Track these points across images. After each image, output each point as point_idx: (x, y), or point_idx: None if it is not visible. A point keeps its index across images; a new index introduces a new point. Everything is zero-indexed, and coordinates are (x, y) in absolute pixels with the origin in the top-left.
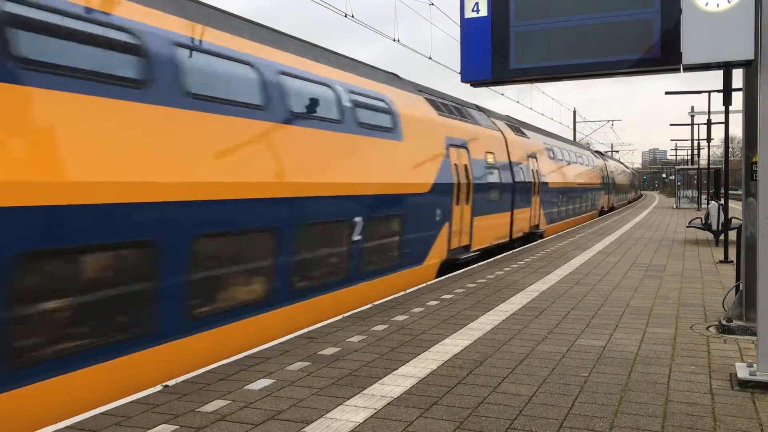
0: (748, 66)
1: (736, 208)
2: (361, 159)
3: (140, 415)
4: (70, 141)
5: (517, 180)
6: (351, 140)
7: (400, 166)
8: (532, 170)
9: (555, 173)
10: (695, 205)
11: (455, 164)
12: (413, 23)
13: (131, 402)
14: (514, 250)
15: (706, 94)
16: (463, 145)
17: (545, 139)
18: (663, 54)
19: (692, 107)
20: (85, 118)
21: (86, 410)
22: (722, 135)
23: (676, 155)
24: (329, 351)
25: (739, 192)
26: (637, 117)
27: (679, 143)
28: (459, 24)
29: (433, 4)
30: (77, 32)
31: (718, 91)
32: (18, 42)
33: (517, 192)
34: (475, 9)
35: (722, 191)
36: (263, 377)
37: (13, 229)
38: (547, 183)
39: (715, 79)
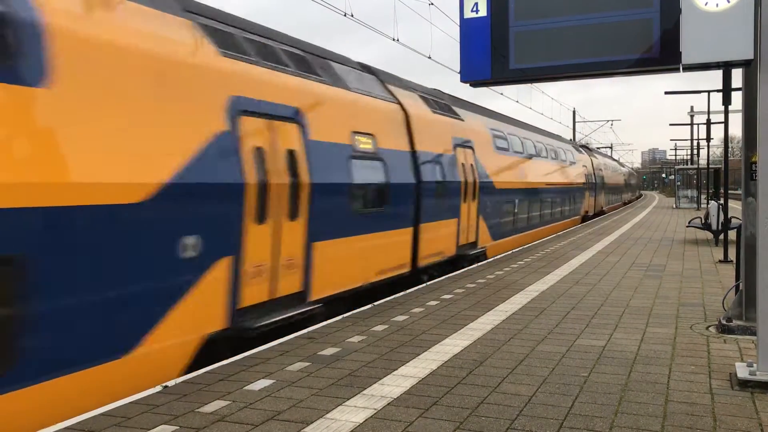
0: (748, 66)
1: (735, 207)
2: None
3: (140, 416)
4: None
5: (427, 178)
6: None
7: None
8: (464, 165)
9: (509, 171)
10: (695, 205)
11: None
12: (413, 23)
13: (131, 402)
14: (428, 283)
15: (706, 93)
16: (283, 116)
17: (494, 124)
18: (662, 54)
19: (692, 107)
20: None
21: None
22: (722, 135)
23: (675, 155)
24: (329, 351)
25: (739, 192)
26: (637, 117)
27: (679, 143)
28: (458, 24)
29: (432, 3)
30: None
31: (718, 90)
32: None
33: (427, 196)
34: (475, 9)
35: (722, 191)
36: (263, 378)
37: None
38: (491, 183)
39: (715, 78)
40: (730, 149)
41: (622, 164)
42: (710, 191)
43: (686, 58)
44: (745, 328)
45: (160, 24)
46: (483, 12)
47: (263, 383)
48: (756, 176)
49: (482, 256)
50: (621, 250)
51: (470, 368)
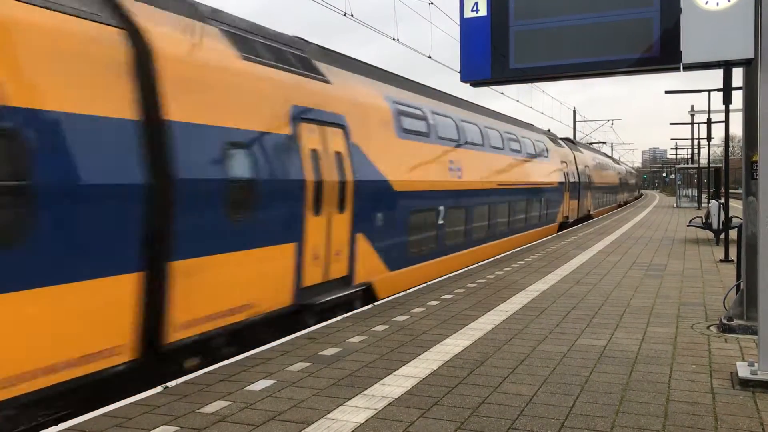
0: (748, 65)
1: (736, 207)
2: None
3: (141, 417)
4: None
5: (190, 173)
6: None
7: None
8: (319, 152)
9: (428, 165)
10: (695, 204)
11: None
12: (413, 23)
13: (132, 403)
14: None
15: (706, 93)
16: None
17: (401, 95)
18: (663, 53)
19: (692, 106)
20: None
21: None
22: (722, 134)
23: (676, 154)
24: (330, 351)
25: (740, 191)
26: (638, 116)
27: (680, 142)
28: (458, 23)
29: (432, 3)
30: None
31: (718, 90)
32: None
33: (192, 206)
34: (475, 8)
35: (722, 190)
36: (264, 378)
37: None
38: (387, 183)
39: (716, 77)
40: (730, 148)
41: (617, 161)
42: (711, 190)
43: (686, 58)
44: (746, 328)
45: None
46: (483, 11)
47: (264, 383)
48: (757, 175)
49: (363, 297)
50: (622, 249)
51: (471, 368)
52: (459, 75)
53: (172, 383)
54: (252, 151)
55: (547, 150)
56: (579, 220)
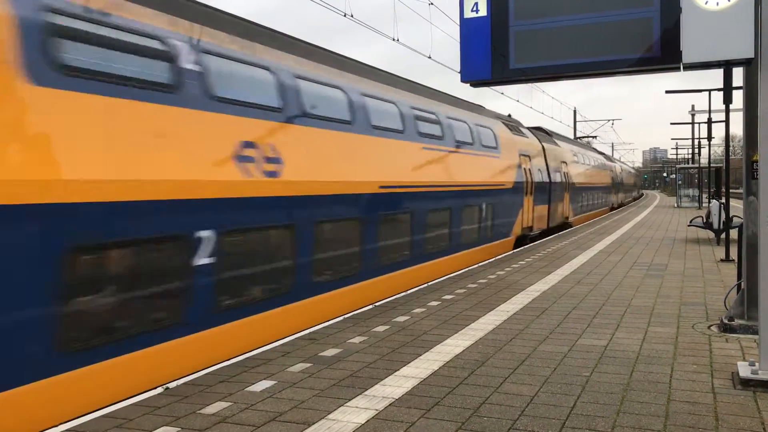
0: (749, 64)
1: (737, 206)
2: None
3: (141, 418)
4: None
5: None
6: None
7: None
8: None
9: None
10: (696, 204)
11: None
12: (413, 23)
13: (132, 404)
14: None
15: (707, 92)
16: None
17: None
18: (663, 53)
19: (692, 106)
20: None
21: None
22: (723, 134)
23: (676, 154)
24: (330, 352)
25: (740, 190)
26: (638, 116)
27: (680, 142)
28: (458, 24)
29: (432, 3)
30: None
31: (719, 89)
32: None
33: None
34: (475, 9)
35: (723, 190)
36: (264, 379)
37: None
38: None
39: (716, 77)
40: (731, 148)
41: (611, 158)
42: (711, 190)
43: (687, 57)
44: (746, 327)
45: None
46: (483, 12)
47: (265, 384)
48: (757, 175)
49: None
50: (622, 249)
51: (472, 368)
52: (459, 75)
53: (172, 384)
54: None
55: (496, 139)
56: (550, 231)
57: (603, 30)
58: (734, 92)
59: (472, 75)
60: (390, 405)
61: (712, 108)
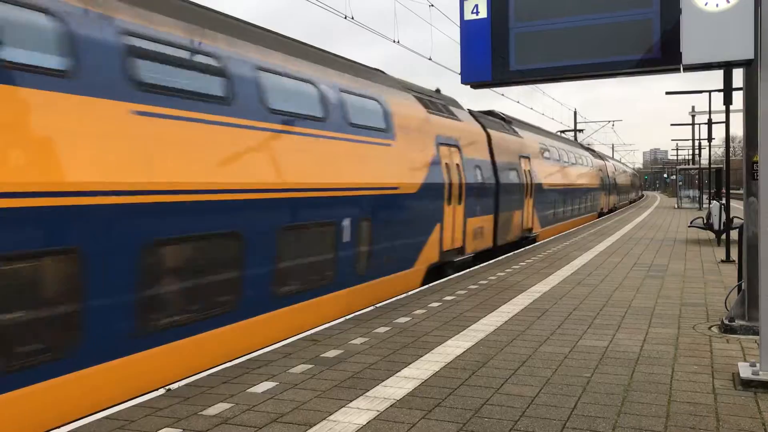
0: (748, 65)
1: (737, 207)
2: None
3: (143, 419)
4: None
5: None
6: None
7: None
8: None
9: None
10: (697, 205)
11: None
12: (413, 25)
13: (134, 406)
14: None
15: (707, 93)
16: None
17: None
18: (663, 54)
19: (693, 107)
20: None
21: None
22: (723, 134)
23: (677, 155)
24: (332, 353)
25: (741, 191)
26: (639, 117)
27: (681, 143)
28: (459, 26)
29: (432, 5)
30: None
31: (719, 90)
32: None
33: None
34: (475, 11)
35: (723, 191)
36: (266, 380)
37: None
38: None
39: (717, 78)
40: (731, 149)
41: (600, 154)
42: (712, 191)
43: (686, 59)
44: (747, 328)
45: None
46: (483, 14)
47: (266, 385)
48: (758, 176)
49: None
50: (623, 250)
51: (473, 369)
52: (459, 77)
53: (174, 385)
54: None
55: (386, 118)
56: (500, 249)
57: (603, 31)
58: (734, 93)
59: (473, 77)
60: (391, 406)
61: (712, 109)
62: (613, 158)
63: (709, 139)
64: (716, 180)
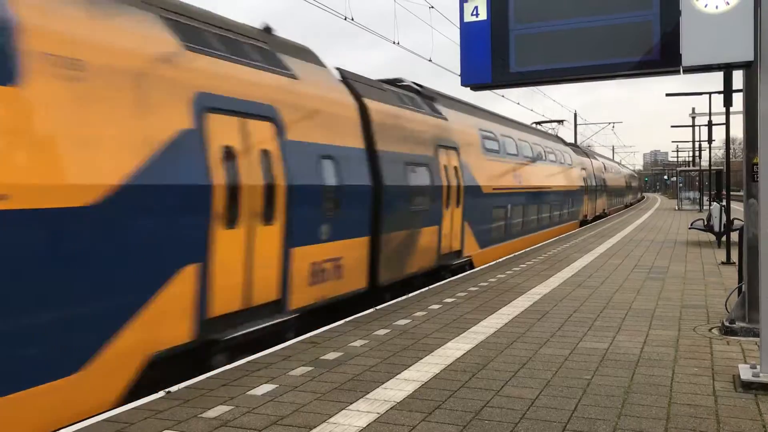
0: (748, 67)
1: (737, 209)
2: None
3: (143, 422)
4: None
5: None
6: None
7: None
8: None
9: None
10: (697, 207)
11: None
12: (413, 26)
13: (134, 408)
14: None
15: (707, 95)
16: None
17: None
18: (663, 56)
19: (693, 109)
20: None
21: None
22: (723, 136)
23: (677, 157)
24: (332, 356)
25: (741, 193)
26: (639, 119)
27: (681, 145)
28: (459, 28)
29: (432, 7)
30: None
31: (719, 92)
32: None
33: None
34: (475, 13)
35: (724, 192)
36: (266, 382)
37: None
38: None
39: (717, 80)
40: (731, 151)
41: (584, 150)
42: (712, 193)
43: (686, 60)
44: (748, 330)
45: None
46: (483, 16)
47: (266, 388)
48: (758, 177)
49: None
50: (623, 252)
51: (473, 372)
52: (459, 79)
53: (173, 388)
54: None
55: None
56: (387, 290)
57: (603, 33)
58: (734, 95)
59: (473, 79)
60: (391, 408)
61: (712, 111)
62: (602, 156)
63: (710, 140)
64: (716, 182)
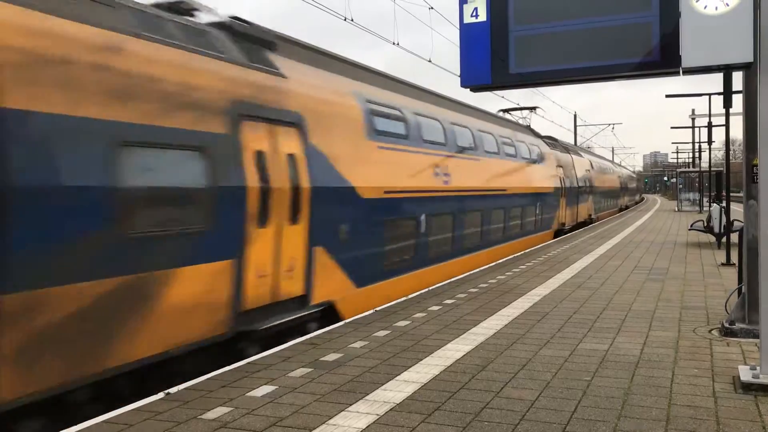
0: (748, 68)
1: (737, 210)
2: None
3: (143, 423)
4: None
5: None
6: None
7: None
8: None
9: None
10: (697, 208)
11: None
12: (413, 27)
13: (133, 410)
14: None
15: (707, 96)
16: None
17: None
18: (662, 57)
19: (693, 110)
20: None
21: None
22: (723, 137)
23: (677, 158)
24: (331, 357)
25: (741, 194)
26: (640, 120)
27: (681, 146)
28: (458, 29)
29: (432, 8)
30: None
31: (719, 93)
32: None
33: None
34: (474, 14)
35: (724, 194)
36: (265, 384)
37: None
38: None
39: (717, 81)
40: (731, 152)
41: (562, 144)
42: (712, 194)
43: (686, 62)
44: (747, 331)
45: None
46: (483, 17)
47: (266, 389)
48: (757, 179)
49: None
50: (623, 253)
51: (473, 373)
52: (459, 80)
53: (173, 389)
54: None
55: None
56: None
57: (602, 35)
58: (734, 96)
59: (473, 80)
60: (391, 410)
61: (712, 112)
62: (588, 151)
63: (709, 142)
64: (716, 183)
